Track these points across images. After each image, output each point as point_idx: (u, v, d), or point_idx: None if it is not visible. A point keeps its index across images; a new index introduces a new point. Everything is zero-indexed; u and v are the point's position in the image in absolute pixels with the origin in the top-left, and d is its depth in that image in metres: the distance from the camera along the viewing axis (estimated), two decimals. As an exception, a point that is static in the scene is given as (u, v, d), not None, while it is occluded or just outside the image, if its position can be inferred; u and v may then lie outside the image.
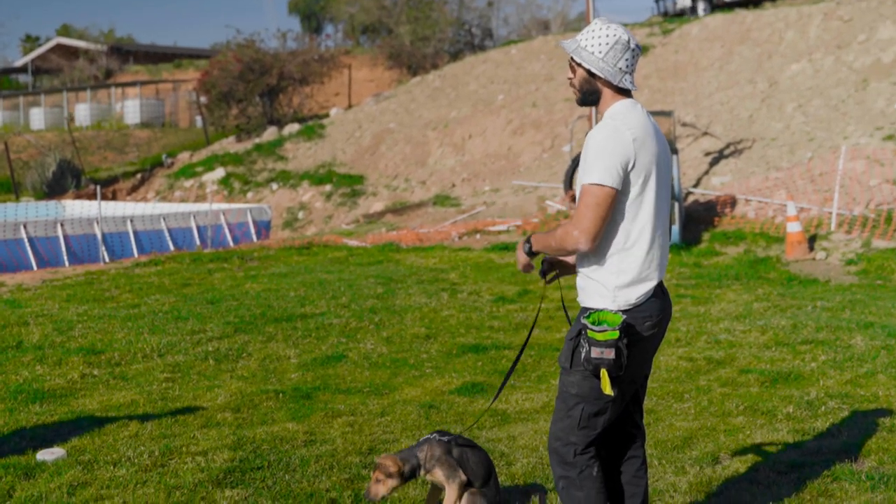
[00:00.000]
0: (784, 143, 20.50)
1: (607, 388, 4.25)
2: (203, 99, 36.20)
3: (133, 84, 46.57)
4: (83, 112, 42.42)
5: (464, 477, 5.18)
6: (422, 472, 5.17)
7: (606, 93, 4.43)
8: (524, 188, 23.19)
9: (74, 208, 24.80)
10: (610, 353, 4.21)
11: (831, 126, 20.40)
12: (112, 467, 6.16)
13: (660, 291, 4.46)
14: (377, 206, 25.89)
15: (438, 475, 5.17)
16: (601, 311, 4.31)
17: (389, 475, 5.11)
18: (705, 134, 22.51)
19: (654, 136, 4.37)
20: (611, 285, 4.33)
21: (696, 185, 19.76)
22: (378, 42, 50.04)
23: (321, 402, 7.84)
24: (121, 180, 33.11)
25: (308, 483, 5.87)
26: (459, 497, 5.24)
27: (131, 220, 19.70)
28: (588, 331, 4.25)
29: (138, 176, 33.18)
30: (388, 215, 24.03)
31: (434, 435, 5.26)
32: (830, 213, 16.42)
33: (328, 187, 28.03)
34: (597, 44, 4.35)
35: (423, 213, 23.15)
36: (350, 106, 37.57)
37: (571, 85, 4.51)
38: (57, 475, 6.03)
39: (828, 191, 17.40)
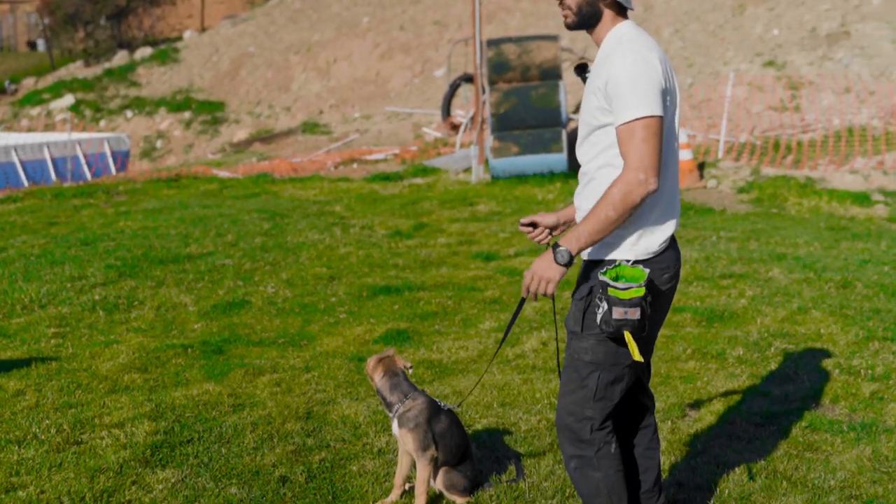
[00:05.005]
0: (662, 69, 20.28)
1: (636, 354, 3.73)
2: (47, 20, 34.09)
3: (-34, 4, 43.57)
4: (-88, 35, 39.56)
5: (434, 452, 4.64)
6: (392, 421, 4.65)
7: (607, 14, 3.83)
8: (397, 115, 22.47)
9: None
10: (635, 314, 3.65)
11: (710, 52, 20.26)
12: (17, 447, 5.36)
13: (672, 239, 3.96)
14: (241, 133, 24.80)
15: (407, 442, 4.62)
16: (619, 265, 3.75)
17: (369, 374, 4.78)
18: (582, 59, 22.11)
19: (667, 61, 3.84)
20: (628, 232, 3.78)
21: (576, 112, 19.40)
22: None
23: (236, 356, 7.13)
24: (-41, 108, 31.02)
25: (249, 458, 5.20)
26: (432, 474, 4.69)
27: (-21, 153, 18.26)
28: (609, 288, 3.69)
29: (-22, 104, 31.14)
30: (255, 144, 22.99)
31: (429, 397, 4.74)
32: (717, 140, 16.27)
33: (187, 114, 26.75)
34: None
35: (294, 142, 22.22)
36: (204, 29, 35.94)
37: (565, 6, 3.87)
38: (-48, 459, 5.22)
39: (710, 118, 17.24)
